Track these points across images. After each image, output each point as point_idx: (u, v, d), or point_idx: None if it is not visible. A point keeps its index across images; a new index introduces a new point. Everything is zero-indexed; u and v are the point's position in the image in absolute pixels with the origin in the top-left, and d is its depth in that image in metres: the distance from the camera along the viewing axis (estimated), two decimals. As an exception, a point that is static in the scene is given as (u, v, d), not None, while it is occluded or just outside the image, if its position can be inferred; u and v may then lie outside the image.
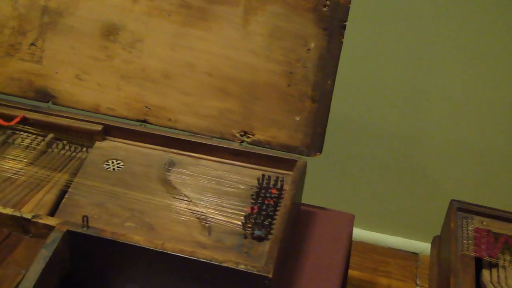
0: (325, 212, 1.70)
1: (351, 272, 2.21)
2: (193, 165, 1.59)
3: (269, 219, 1.40)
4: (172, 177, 1.54)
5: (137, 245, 1.26)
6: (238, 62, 1.61)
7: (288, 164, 1.58)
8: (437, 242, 1.68)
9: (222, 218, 1.42)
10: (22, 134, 1.66)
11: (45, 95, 1.70)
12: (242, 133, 1.62)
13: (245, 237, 1.37)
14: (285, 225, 1.37)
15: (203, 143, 1.61)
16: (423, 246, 2.53)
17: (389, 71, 2.17)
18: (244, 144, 1.62)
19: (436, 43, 2.09)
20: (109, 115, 1.67)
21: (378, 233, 2.55)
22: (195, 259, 1.24)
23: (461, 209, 1.57)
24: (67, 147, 1.64)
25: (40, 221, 1.30)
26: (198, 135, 1.63)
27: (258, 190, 1.49)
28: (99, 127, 1.64)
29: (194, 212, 1.43)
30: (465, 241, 1.48)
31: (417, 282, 2.44)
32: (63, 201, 1.43)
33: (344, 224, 1.67)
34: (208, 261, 1.23)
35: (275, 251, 1.28)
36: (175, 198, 1.47)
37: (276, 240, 1.31)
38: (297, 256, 1.53)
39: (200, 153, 1.61)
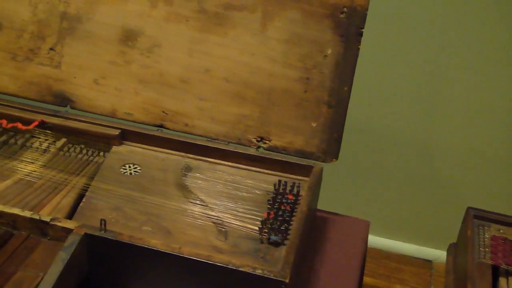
0: (341, 218, 1.70)
1: (365, 279, 2.20)
2: (209, 170, 1.60)
3: (286, 225, 1.40)
4: (189, 182, 1.55)
5: (154, 249, 1.26)
6: (255, 68, 1.61)
7: (304, 170, 1.58)
8: (453, 250, 1.68)
9: (238, 223, 1.43)
10: (40, 138, 1.67)
11: (63, 100, 1.71)
12: (259, 139, 1.63)
13: (261, 242, 1.38)
14: (302, 230, 1.37)
15: (220, 149, 1.61)
16: (437, 254, 2.52)
17: (405, 77, 2.17)
18: (261, 149, 1.62)
19: (453, 49, 2.09)
20: (127, 120, 1.68)
21: (392, 240, 2.54)
22: (212, 264, 1.24)
23: (477, 216, 1.57)
24: (84, 151, 1.65)
25: (58, 224, 1.31)
26: (215, 140, 1.64)
27: (274, 195, 1.50)
28: (116, 132, 1.65)
29: (210, 216, 1.44)
30: (482, 249, 1.48)
31: (431, 289, 2.43)
32: (80, 204, 1.44)
33: (359, 231, 1.67)
34: (225, 266, 1.24)
35: (291, 256, 1.28)
36: (192, 202, 1.48)
37: (292, 246, 1.32)
38: (313, 262, 1.53)
39: (216, 158, 1.62)
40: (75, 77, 1.70)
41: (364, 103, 2.21)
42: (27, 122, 1.66)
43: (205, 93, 1.64)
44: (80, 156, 1.64)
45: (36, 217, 1.32)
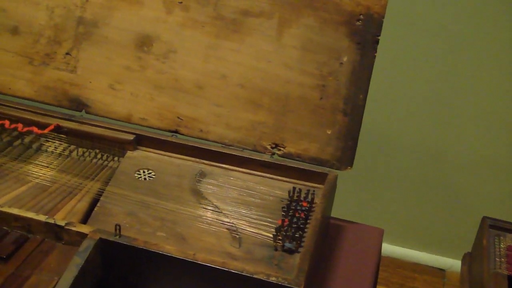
0: (355, 226, 1.69)
1: (378, 287, 2.19)
2: (224, 176, 1.60)
3: (300, 232, 1.40)
4: (203, 188, 1.55)
5: (169, 255, 1.26)
6: (271, 75, 1.61)
7: (319, 177, 1.58)
8: (468, 259, 1.67)
9: (252, 230, 1.42)
10: (55, 142, 1.68)
11: (78, 104, 1.72)
12: (273, 146, 1.62)
13: (276, 249, 1.37)
14: (316, 238, 1.36)
15: (234, 155, 1.61)
16: (450, 262, 2.51)
17: (421, 86, 2.16)
18: (275, 156, 1.62)
19: (468, 57, 2.09)
20: (141, 125, 1.69)
21: (405, 248, 2.53)
22: (226, 270, 1.24)
23: (493, 226, 1.56)
24: (99, 156, 1.65)
25: (73, 228, 1.31)
26: (230, 147, 1.64)
27: (289, 202, 1.49)
28: (131, 137, 1.65)
29: (224, 223, 1.44)
30: (498, 259, 1.47)
31: (444, 299, 2.42)
32: (95, 209, 1.44)
33: (373, 239, 1.66)
34: (239, 273, 1.23)
35: (306, 264, 1.28)
36: (206, 209, 1.48)
37: (307, 253, 1.31)
38: (326, 269, 1.53)
39: (231, 165, 1.62)
40: (90, 82, 1.71)
41: (379, 110, 2.20)
42: (42, 126, 1.67)
43: (220, 99, 1.64)
44: (94, 160, 1.64)
45: (51, 221, 1.32)
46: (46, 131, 1.66)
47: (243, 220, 1.45)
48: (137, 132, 1.66)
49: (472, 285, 1.56)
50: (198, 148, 1.63)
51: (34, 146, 1.66)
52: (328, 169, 1.59)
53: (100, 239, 1.29)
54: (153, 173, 1.59)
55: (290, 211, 1.46)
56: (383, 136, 2.27)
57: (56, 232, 1.33)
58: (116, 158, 1.65)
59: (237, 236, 1.40)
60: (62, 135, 1.68)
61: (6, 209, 1.35)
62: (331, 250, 1.59)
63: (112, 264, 1.31)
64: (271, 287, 1.23)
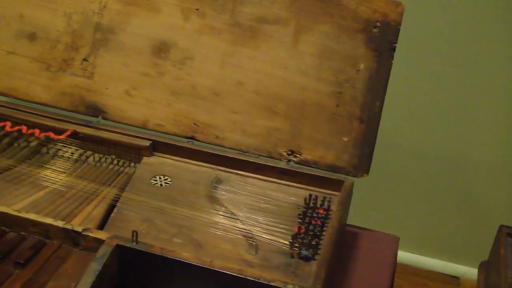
0: (370, 233, 1.68)
1: (391, 294, 2.19)
2: (240, 182, 1.60)
3: (316, 239, 1.40)
4: (219, 194, 1.55)
5: (186, 261, 1.26)
6: (287, 82, 1.61)
7: (335, 185, 1.57)
8: (484, 268, 1.66)
9: (268, 237, 1.42)
10: (72, 148, 1.68)
11: (95, 110, 1.73)
12: (289, 152, 1.62)
13: (292, 257, 1.37)
14: (333, 245, 1.36)
15: (250, 161, 1.61)
16: (464, 270, 2.50)
17: (436, 93, 2.16)
18: (291, 163, 1.62)
19: (486, 64, 2.08)
20: (158, 131, 1.69)
21: (419, 255, 2.52)
22: (243, 278, 1.24)
23: (511, 235, 1.55)
24: (115, 162, 1.66)
25: (90, 234, 1.32)
26: (246, 153, 1.64)
27: (305, 209, 1.49)
28: (147, 143, 1.66)
29: (240, 230, 1.44)
30: (515, 268, 1.46)
31: (458, 306, 2.41)
32: (112, 215, 1.45)
33: (389, 246, 1.65)
34: (256, 280, 1.23)
35: (322, 271, 1.28)
36: (222, 215, 1.48)
37: (323, 261, 1.31)
38: (342, 277, 1.52)
39: (247, 171, 1.62)
40: (107, 88, 1.72)
41: (395, 117, 2.20)
42: (59, 131, 1.68)
43: (237, 106, 1.64)
44: (111, 166, 1.64)
45: (69, 227, 1.33)
46: (63, 136, 1.67)
47: (259, 227, 1.45)
48: (153, 138, 1.67)
49: (489, 294, 1.55)
50: (214, 154, 1.63)
51: (51, 151, 1.67)
52: (344, 176, 1.59)
53: (117, 245, 1.29)
54: (169, 179, 1.59)
55: (307, 218, 1.46)
56: (399, 143, 2.26)
57: (73, 238, 1.33)
58: (132, 164, 1.65)
59: (254, 243, 1.40)
60: (79, 141, 1.68)
61: (24, 214, 1.35)
62: (347, 257, 1.58)
63: (128, 270, 1.31)
64: (288, 295, 1.23)
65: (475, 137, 2.20)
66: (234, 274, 1.24)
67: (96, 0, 1.72)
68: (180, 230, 1.42)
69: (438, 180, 2.31)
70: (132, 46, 1.70)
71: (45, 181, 1.55)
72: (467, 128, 2.20)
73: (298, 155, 1.62)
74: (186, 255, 1.28)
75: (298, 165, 1.62)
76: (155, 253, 1.28)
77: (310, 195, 1.53)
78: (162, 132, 1.69)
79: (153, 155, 1.67)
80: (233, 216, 1.47)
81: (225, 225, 1.45)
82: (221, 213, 1.48)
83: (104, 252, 1.27)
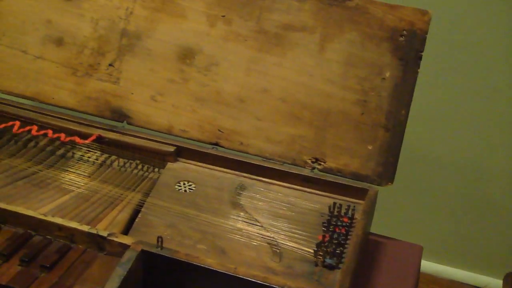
0: (393, 242, 1.68)
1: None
2: (263, 189, 1.60)
3: (341, 248, 1.39)
4: (243, 201, 1.55)
5: (210, 268, 1.27)
6: (312, 89, 1.61)
7: (359, 193, 1.57)
8: (510, 279, 1.65)
9: (292, 244, 1.42)
10: (97, 153, 1.69)
11: (120, 115, 1.74)
12: (314, 160, 1.62)
13: (316, 265, 1.37)
14: (357, 255, 1.36)
15: (274, 168, 1.61)
16: (488, 280, 2.47)
17: (462, 102, 2.14)
18: (315, 171, 1.62)
19: (510, 74, 2.07)
20: (182, 137, 1.70)
21: (440, 265, 2.51)
22: (268, 285, 1.24)
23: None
24: (139, 167, 1.66)
25: (116, 239, 1.33)
26: (270, 160, 1.64)
27: (329, 218, 1.49)
28: (172, 149, 1.66)
29: (264, 237, 1.44)
30: (541, 280, 1.45)
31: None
32: (136, 220, 1.45)
33: (412, 256, 1.65)
34: (281, 288, 1.23)
35: (347, 280, 1.27)
36: (246, 222, 1.48)
37: (348, 270, 1.30)
38: (365, 286, 1.51)
39: (271, 178, 1.62)
40: (132, 93, 1.72)
41: (419, 126, 2.19)
42: (84, 136, 1.69)
43: (262, 113, 1.64)
44: (135, 171, 1.65)
45: (94, 231, 1.34)
46: (88, 141, 1.68)
47: (283, 234, 1.45)
48: (178, 143, 1.67)
49: (514, 306, 1.53)
50: (238, 161, 1.63)
51: (76, 156, 1.68)
52: (368, 184, 1.59)
53: (142, 250, 1.30)
54: (193, 185, 1.59)
55: (331, 227, 1.46)
56: (423, 152, 2.25)
57: (98, 242, 1.34)
58: (156, 170, 1.66)
59: (278, 251, 1.40)
60: (104, 146, 1.69)
61: (50, 218, 1.36)
62: (370, 266, 1.58)
63: (153, 275, 1.32)
64: (312, 303, 1.22)
65: (500, 146, 2.19)
66: (258, 281, 1.24)
67: (122, 6, 1.73)
68: (204, 236, 1.42)
69: (461, 189, 2.30)
70: (158, 52, 1.71)
71: (70, 185, 1.56)
72: (492, 137, 2.18)
73: (322, 163, 1.62)
74: (211, 262, 1.28)
75: (322, 173, 1.61)
76: (180, 259, 1.28)
77: (335, 203, 1.52)
78: (186, 138, 1.69)
79: (178, 160, 1.67)
80: (257, 223, 1.47)
81: (249, 232, 1.45)
82: (245, 219, 1.49)
83: (129, 257, 1.28)
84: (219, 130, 1.67)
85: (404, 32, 1.56)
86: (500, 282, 2.13)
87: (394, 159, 1.58)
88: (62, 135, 1.69)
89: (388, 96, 1.57)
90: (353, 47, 1.59)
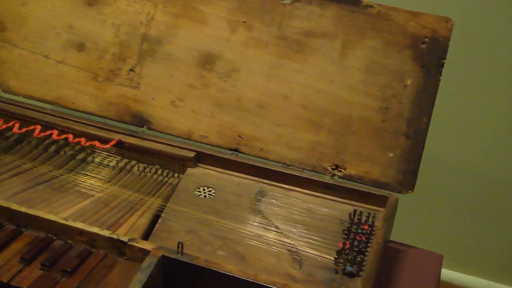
0: (413, 250, 1.67)
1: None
2: (283, 196, 1.59)
3: (361, 256, 1.38)
4: (263, 207, 1.55)
5: (230, 274, 1.26)
6: (333, 96, 1.61)
7: (379, 200, 1.56)
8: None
9: (312, 252, 1.42)
10: (117, 157, 1.70)
11: (140, 120, 1.74)
12: (334, 167, 1.61)
13: (336, 272, 1.36)
14: (377, 263, 1.35)
15: (294, 175, 1.61)
16: (507, 290, 2.46)
17: (483, 110, 2.13)
18: (335, 178, 1.61)
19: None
20: (202, 142, 1.70)
21: (461, 273, 2.49)
22: (288, 293, 1.23)
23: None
24: (159, 172, 1.67)
25: (136, 244, 1.33)
26: (290, 167, 1.63)
27: (349, 225, 1.48)
28: (192, 154, 1.66)
29: (284, 244, 1.43)
30: None
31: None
32: (156, 226, 1.45)
33: (432, 265, 1.63)
34: (301, 295, 1.23)
35: (368, 289, 1.27)
36: (266, 228, 1.48)
37: (369, 278, 1.30)
38: (385, 294, 1.51)
39: (290, 185, 1.61)
40: (153, 98, 1.73)
41: (441, 134, 2.17)
42: (105, 141, 1.69)
43: (282, 119, 1.64)
44: (155, 176, 1.65)
45: (115, 236, 1.34)
46: (108, 146, 1.68)
47: (303, 241, 1.45)
48: (198, 149, 1.67)
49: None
50: (258, 167, 1.63)
51: (96, 160, 1.68)
52: (388, 192, 1.58)
53: (163, 256, 1.30)
54: (213, 191, 1.59)
55: (351, 234, 1.45)
56: (444, 159, 2.24)
57: (119, 247, 1.34)
58: (176, 175, 1.66)
59: (298, 258, 1.39)
60: (124, 150, 1.70)
61: (71, 223, 1.37)
62: (390, 274, 1.57)
63: (173, 281, 1.32)
64: (333, 311, 1.22)
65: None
66: (279, 288, 1.24)
67: (144, 11, 1.74)
68: (224, 242, 1.42)
69: (482, 198, 2.28)
70: (179, 57, 1.71)
71: (91, 189, 1.57)
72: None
73: (342, 170, 1.61)
74: (231, 268, 1.28)
75: (342, 180, 1.61)
76: (200, 265, 1.28)
77: (355, 210, 1.52)
78: (206, 144, 1.69)
79: (197, 166, 1.67)
80: (277, 230, 1.47)
81: (269, 238, 1.45)
82: (264, 226, 1.48)
83: (149, 262, 1.28)
84: (239, 136, 1.67)
85: (426, 39, 1.55)
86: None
87: (414, 167, 1.57)
88: (83, 140, 1.70)
89: (409, 103, 1.56)
90: (374, 54, 1.58)
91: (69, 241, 1.37)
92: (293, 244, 1.43)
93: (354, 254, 1.39)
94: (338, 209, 1.56)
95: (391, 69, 1.57)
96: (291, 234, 1.46)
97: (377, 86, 1.58)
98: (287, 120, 1.64)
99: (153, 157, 1.68)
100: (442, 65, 1.55)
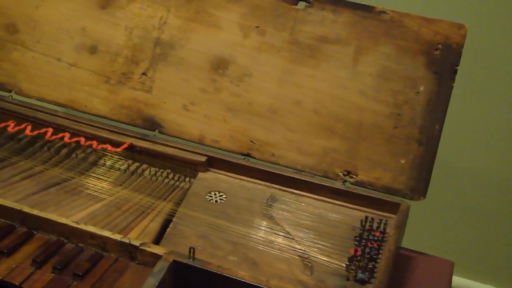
0: (424, 257, 1.66)
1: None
2: (294, 201, 1.59)
3: (373, 263, 1.38)
4: (274, 212, 1.55)
5: (242, 280, 1.26)
6: (346, 102, 1.60)
7: (391, 207, 1.56)
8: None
9: (323, 258, 1.41)
10: (128, 161, 1.70)
11: (152, 124, 1.74)
12: (346, 173, 1.61)
13: (347, 279, 1.36)
14: (389, 270, 1.35)
15: (306, 181, 1.60)
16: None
17: (496, 117, 2.12)
18: (347, 184, 1.61)
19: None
20: (214, 147, 1.70)
21: (472, 281, 2.48)
22: (300, 299, 1.23)
23: None
24: (170, 176, 1.67)
25: (148, 249, 1.33)
26: (301, 172, 1.63)
27: (361, 231, 1.48)
28: (203, 158, 1.66)
29: (296, 250, 1.43)
30: None
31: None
32: (167, 230, 1.45)
33: (443, 272, 1.63)
34: (313, 302, 1.22)
35: (380, 296, 1.26)
36: (277, 234, 1.47)
37: (380, 285, 1.29)
38: (396, 301, 1.50)
39: (302, 190, 1.61)
40: (165, 102, 1.73)
41: (453, 140, 2.17)
42: (116, 144, 1.69)
43: (294, 125, 1.64)
44: (166, 180, 1.65)
45: (126, 241, 1.34)
46: (120, 149, 1.68)
47: (314, 247, 1.44)
48: (209, 154, 1.67)
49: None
50: (270, 172, 1.63)
51: (108, 163, 1.68)
52: (400, 198, 1.57)
53: (174, 261, 1.29)
54: (224, 196, 1.59)
55: (363, 241, 1.45)
56: (456, 166, 2.23)
57: (130, 251, 1.34)
58: (187, 179, 1.66)
59: (309, 264, 1.39)
60: (135, 154, 1.70)
61: (82, 226, 1.37)
62: (401, 281, 1.56)
63: (184, 286, 1.31)
64: (344, 319, 1.21)
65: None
66: (290, 295, 1.24)
67: (157, 15, 1.74)
68: (235, 247, 1.42)
69: (494, 204, 2.27)
70: (191, 61, 1.71)
71: (102, 193, 1.57)
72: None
73: (354, 176, 1.61)
74: (243, 274, 1.27)
75: (353, 186, 1.60)
76: (212, 270, 1.28)
77: (367, 217, 1.51)
78: (218, 148, 1.69)
79: (209, 170, 1.67)
80: (288, 236, 1.47)
81: (280, 244, 1.44)
82: (276, 231, 1.48)
83: (161, 267, 1.28)
84: (251, 141, 1.67)
85: (440, 45, 1.55)
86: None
87: (427, 174, 1.57)
88: (94, 143, 1.70)
89: (422, 110, 1.56)
90: (387, 60, 1.58)
91: (81, 245, 1.37)
92: (304, 250, 1.43)
93: (366, 261, 1.38)
94: (350, 215, 1.56)
95: (403, 75, 1.57)
96: (302, 240, 1.46)
97: (389, 92, 1.58)
98: (299, 125, 1.64)
99: (165, 161, 1.68)
100: (455, 72, 1.54)
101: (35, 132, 1.73)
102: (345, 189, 1.59)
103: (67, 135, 1.72)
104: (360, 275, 1.35)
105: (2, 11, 1.85)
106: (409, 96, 1.57)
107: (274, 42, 1.65)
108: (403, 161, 1.57)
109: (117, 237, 1.35)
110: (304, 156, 1.63)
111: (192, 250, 1.30)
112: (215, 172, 1.67)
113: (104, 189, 1.58)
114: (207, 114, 1.70)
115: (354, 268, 1.37)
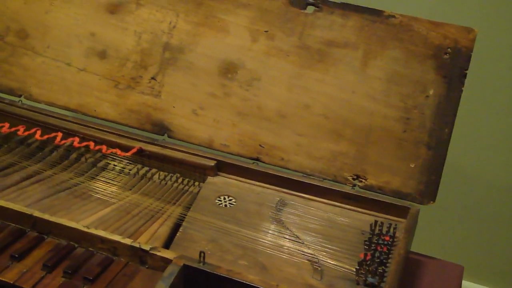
0: (434, 261, 1.66)
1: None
2: (304, 206, 1.59)
3: (383, 267, 1.38)
4: (283, 217, 1.55)
5: (252, 284, 1.26)
6: (354, 106, 1.61)
7: (400, 211, 1.56)
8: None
9: (333, 262, 1.41)
10: (137, 165, 1.70)
11: (161, 128, 1.75)
12: (355, 177, 1.61)
13: (357, 284, 1.35)
14: (399, 274, 1.34)
15: (315, 185, 1.61)
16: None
17: (506, 121, 2.12)
18: (356, 188, 1.61)
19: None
20: (223, 151, 1.70)
21: (482, 286, 2.47)
22: (310, 304, 1.23)
23: None
24: (180, 180, 1.67)
25: (158, 253, 1.33)
26: (310, 176, 1.63)
27: (370, 236, 1.48)
28: (212, 163, 1.66)
29: (305, 254, 1.43)
30: None
31: None
32: (177, 234, 1.45)
33: (453, 276, 1.62)
34: (323, 307, 1.22)
35: (390, 301, 1.26)
36: (286, 238, 1.47)
37: (391, 290, 1.29)
38: (406, 306, 1.50)
39: (311, 194, 1.61)
40: (174, 107, 1.73)
41: (462, 144, 2.16)
42: (125, 148, 1.70)
43: (303, 129, 1.64)
44: (175, 185, 1.66)
45: (136, 245, 1.34)
46: (129, 154, 1.69)
47: (324, 252, 1.44)
48: (218, 158, 1.67)
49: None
50: (279, 176, 1.63)
51: (117, 168, 1.69)
52: (409, 203, 1.57)
53: (184, 265, 1.30)
54: (233, 200, 1.59)
55: (373, 245, 1.45)
56: (465, 170, 2.23)
57: (140, 256, 1.34)
58: (196, 183, 1.66)
59: (319, 268, 1.39)
60: (144, 158, 1.70)
61: (93, 231, 1.37)
62: (411, 285, 1.56)
63: (194, 290, 1.32)
64: (355, 323, 1.21)
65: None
66: (301, 299, 1.24)
67: (166, 20, 1.74)
68: (245, 252, 1.42)
69: (504, 209, 2.26)
70: (200, 66, 1.72)
71: (112, 197, 1.57)
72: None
73: (363, 180, 1.61)
74: (253, 278, 1.27)
75: (363, 190, 1.60)
76: (222, 274, 1.28)
77: (376, 221, 1.51)
78: (227, 153, 1.69)
79: (218, 175, 1.67)
80: (297, 240, 1.47)
81: (290, 248, 1.44)
82: (285, 236, 1.48)
83: (171, 271, 1.28)
84: (260, 145, 1.67)
85: (449, 49, 1.55)
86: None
87: (436, 178, 1.57)
88: (104, 147, 1.71)
89: (431, 114, 1.56)
90: (396, 64, 1.58)
91: (91, 249, 1.38)
92: (314, 254, 1.43)
93: (376, 265, 1.38)
94: (359, 219, 1.56)
95: (413, 79, 1.57)
96: (312, 244, 1.46)
97: (398, 96, 1.58)
98: (308, 129, 1.64)
99: (174, 165, 1.69)
100: (464, 76, 1.54)
101: (45, 137, 1.74)
102: (354, 193, 1.59)
103: (76, 139, 1.73)
104: (370, 279, 1.35)
105: (12, 17, 1.86)
106: (418, 100, 1.57)
107: (283, 46, 1.65)
108: (412, 165, 1.57)
109: (127, 241, 1.35)
110: (313, 160, 1.64)
111: (202, 255, 1.30)
112: (224, 177, 1.67)
113: (113, 194, 1.59)
114: (216, 119, 1.70)
115: (364, 272, 1.37)
